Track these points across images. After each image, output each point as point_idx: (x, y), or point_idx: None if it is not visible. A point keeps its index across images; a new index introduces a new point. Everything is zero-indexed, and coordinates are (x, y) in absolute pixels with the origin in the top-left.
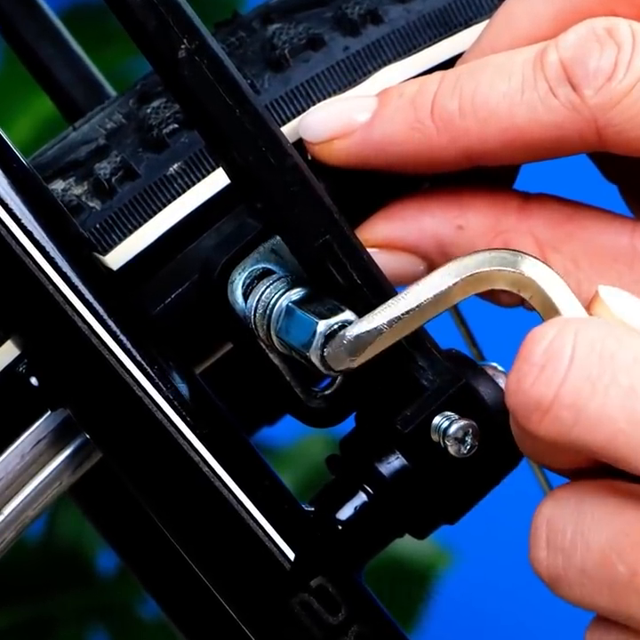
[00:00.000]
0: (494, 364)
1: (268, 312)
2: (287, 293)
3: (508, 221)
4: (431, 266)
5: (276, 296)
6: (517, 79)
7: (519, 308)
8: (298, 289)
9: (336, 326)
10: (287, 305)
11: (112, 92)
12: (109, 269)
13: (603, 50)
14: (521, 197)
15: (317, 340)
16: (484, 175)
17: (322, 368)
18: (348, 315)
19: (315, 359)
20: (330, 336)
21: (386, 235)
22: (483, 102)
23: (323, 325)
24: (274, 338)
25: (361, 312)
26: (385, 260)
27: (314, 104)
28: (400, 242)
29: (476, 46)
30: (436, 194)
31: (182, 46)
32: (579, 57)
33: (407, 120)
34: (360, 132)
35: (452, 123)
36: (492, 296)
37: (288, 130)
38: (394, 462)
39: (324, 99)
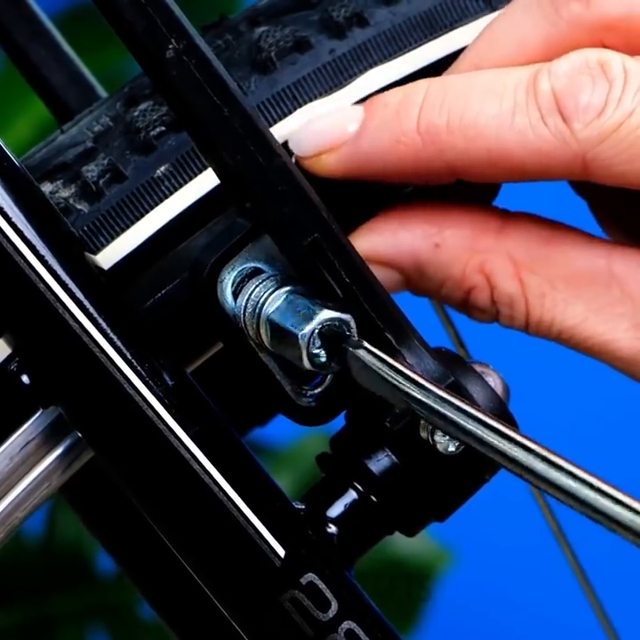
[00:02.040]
0: (483, 362)
1: (256, 311)
2: (276, 293)
3: (485, 242)
4: (407, 280)
5: (265, 295)
6: (509, 102)
7: None
8: (286, 288)
9: (336, 320)
10: (287, 293)
11: (103, 94)
12: (100, 268)
13: (594, 85)
14: (500, 218)
15: (313, 328)
16: (466, 188)
17: (310, 368)
18: (331, 313)
19: (303, 359)
20: (322, 330)
21: (364, 248)
22: (472, 121)
23: (326, 314)
24: (263, 337)
25: (351, 310)
26: None
27: (300, 106)
28: (377, 256)
29: (460, 65)
30: (417, 210)
31: (170, 46)
32: (571, 90)
33: (393, 132)
34: (347, 145)
35: (439, 137)
36: (465, 311)
37: (275, 132)
38: (383, 460)
39: (311, 101)
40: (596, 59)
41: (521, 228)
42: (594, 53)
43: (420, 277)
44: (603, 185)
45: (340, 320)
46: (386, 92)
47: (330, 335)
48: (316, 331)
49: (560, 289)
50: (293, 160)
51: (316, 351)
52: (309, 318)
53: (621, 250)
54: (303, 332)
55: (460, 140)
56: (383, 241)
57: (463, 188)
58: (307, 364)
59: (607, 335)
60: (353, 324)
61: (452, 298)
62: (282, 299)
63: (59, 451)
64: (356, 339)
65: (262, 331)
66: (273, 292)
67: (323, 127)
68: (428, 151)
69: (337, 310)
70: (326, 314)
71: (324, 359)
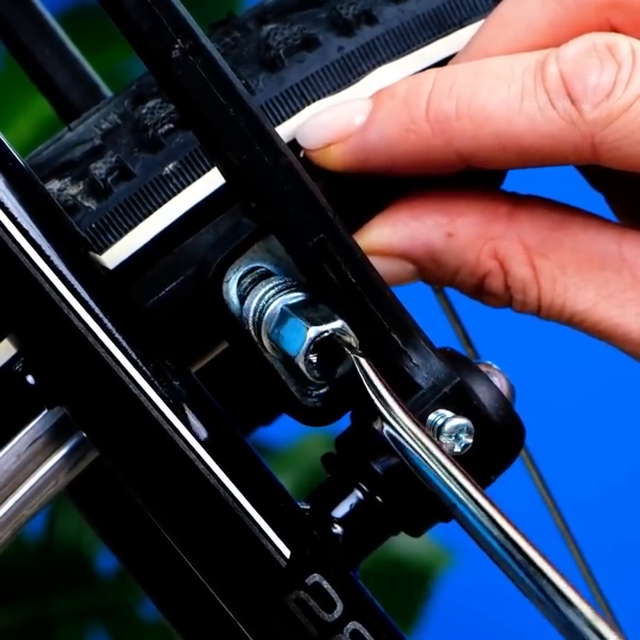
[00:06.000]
0: (489, 363)
1: (260, 315)
2: (283, 297)
3: (497, 228)
4: (421, 270)
5: (271, 298)
6: (517, 87)
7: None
8: (294, 294)
9: (326, 334)
10: (281, 308)
11: (108, 92)
12: (106, 268)
13: (603, 67)
14: (510, 203)
15: (306, 346)
16: (474, 174)
17: (308, 374)
18: (338, 323)
19: (301, 365)
20: (318, 343)
21: (376, 241)
22: (480, 106)
23: (313, 331)
24: (265, 339)
25: (356, 311)
26: (377, 265)
27: (308, 104)
28: (391, 249)
29: (469, 50)
30: (427, 199)
31: (176, 46)
32: (579, 72)
33: (401, 121)
34: (355, 136)
35: (448, 123)
36: (479, 297)
37: (283, 130)
38: (389, 460)
39: (319, 99)
40: (603, 42)
41: (531, 212)
42: (601, 37)
43: (434, 267)
44: (612, 170)
45: (334, 330)
46: (393, 83)
47: (329, 344)
48: (316, 339)
49: (571, 274)
50: (301, 154)
51: (315, 359)
52: (312, 326)
53: (632, 234)
54: (304, 339)
55: (469, 125)
56: (395, 234)
57: (470, 174)
58: (305, 371)
59: (617, 319)
60: (347, 329)
61: (467, 285)
62: (287, 303)
63: (65, 449)
64: (360, 351)
65: (264, 334)
66: (277, 296)
67: (329, 119)
68: (437, 139)
69: (329, 321)
70: (329, 324)
71: (321, 367)
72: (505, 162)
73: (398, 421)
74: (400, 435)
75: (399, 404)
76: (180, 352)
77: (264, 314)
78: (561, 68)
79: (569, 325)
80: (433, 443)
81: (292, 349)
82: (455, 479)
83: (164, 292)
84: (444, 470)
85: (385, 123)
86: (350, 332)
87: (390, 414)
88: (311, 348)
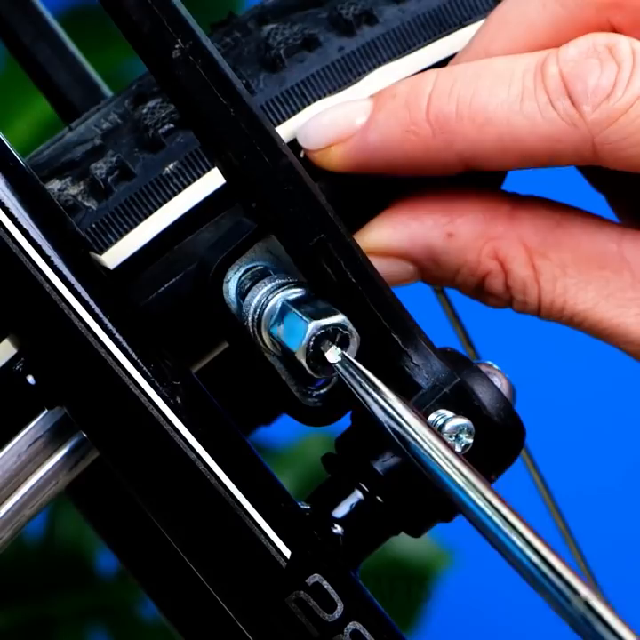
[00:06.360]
0: (489, 363)
1: (260, 316)
2: (283, 293)
3: (497, 228)
4: (421, 270)
5: (271, 295)
6: (517, 87)
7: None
8: (295, 290)
9: (329, 329)
10: (282, 302)
11: (108, 93)
12: (106, 268)
13: (603, 67)
14: (510, 203)
15: (307, 340)
16: (475, 174)
17: (308, 369)
18: (339, 318)
19: (302, 360)
20: (320, 337)
21: (376, 241)
22: (481, 107)
23: (314, 325)
24: (265, 336)
25: (357, 311)
26: (377, 265)
27: (309, 104)
28: (391, 249)
29: (469, 50)
30: (427, 200)
31: (176, 46)
32: (579, 72)
33: (402, 122)
34: (356, 137)
35: (448, 125)
36: (480, 297)
37: (283, 130)
38: (389, 460)
39: (319, 99)
40: (603, 42)
41: (531, 212)
42: (602, 37)
43: (435, 267)
44: (613, 170)
45: (335, 325)
46: (394, 84)
47: (330, 340)
48: (314, 337)
49: (571, 274)
50: (302, 154)
51: (317, 357)
52: (313, 320)
53: (633, 234)
54: (305, 333)
55: (469, 126)
56: (396, 234)
57: (470, 175)
58: (305, 366)
59: (617, 319)
60: (348, 324)
61: (467, 285)
62: (288, 299)
63: (65, 449)
64: (336, 348)
65: (264, 330)
66: (277, 292)
67: (330, 120)
68: (437, 140)
69: (330, 315)
70: (330, 319)
71: (324, 365)
72: (505, 163)
73: (403, 417)
74: (406, 431)
75: (402, 401)
76: (180, 352)
77: (264, 310)
78: (561, 69)
79: (569, 326)
80: (438, 438)
81: (293, 344)
82: (462, 474)
83: (163, 288)
84: (450, 465)
85: (385, 123)
86: (351, 326)
87: (394, 410)
88: (312, 342)
